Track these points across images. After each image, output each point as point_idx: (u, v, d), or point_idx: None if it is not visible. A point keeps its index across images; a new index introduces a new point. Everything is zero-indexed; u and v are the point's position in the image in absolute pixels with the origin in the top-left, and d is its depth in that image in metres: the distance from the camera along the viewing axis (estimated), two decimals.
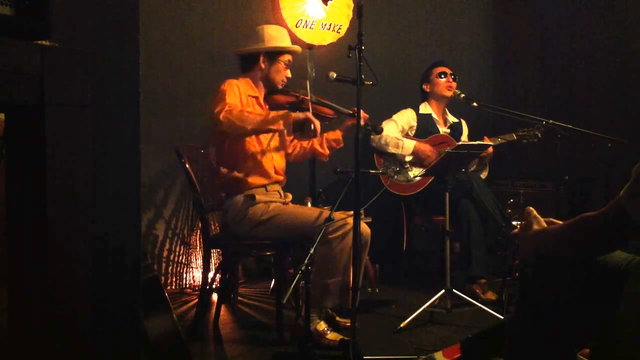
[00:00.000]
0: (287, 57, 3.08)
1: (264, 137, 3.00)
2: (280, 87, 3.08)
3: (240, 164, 2.95)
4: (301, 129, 2.88)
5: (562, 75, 5.10)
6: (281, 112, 2.79)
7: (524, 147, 4.03)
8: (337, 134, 3.24)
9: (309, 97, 3.00)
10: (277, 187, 3.08)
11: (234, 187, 2.96)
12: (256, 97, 3.04)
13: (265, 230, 2.90)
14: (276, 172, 3.06)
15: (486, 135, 3.88)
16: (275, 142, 3.08)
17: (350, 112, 3.10)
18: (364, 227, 2.84)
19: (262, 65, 3.03)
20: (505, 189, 4.47)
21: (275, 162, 3.07)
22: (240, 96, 2.91)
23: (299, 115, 2.82)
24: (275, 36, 3.06)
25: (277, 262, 3.09)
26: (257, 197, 2.92)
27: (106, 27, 1.38)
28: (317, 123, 2.84)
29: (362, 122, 3.07)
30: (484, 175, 4.00)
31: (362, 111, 3.04)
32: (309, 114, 2.85)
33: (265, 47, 3.02)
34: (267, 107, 3.09)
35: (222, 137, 2.91)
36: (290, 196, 3.15)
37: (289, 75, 3.10)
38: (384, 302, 3.58)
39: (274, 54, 3.04)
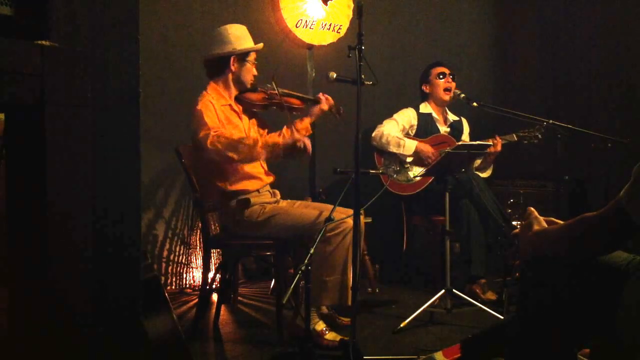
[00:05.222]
0: (254, 56, 3.12)
1: None
2: (249, 86, 3.12)
3: (232, 175, 2.96)
4: (292, 152, 2.94)
5: (562, 75, 5.09)
6: (270, 141, 2.86)
7: (524, 147, 4.03)
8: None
9: (277, 92, 3.05)
10: (268, 187, 3.12)
11: (229, 196, 2.98)
12: (229, 105, 3.06)
13: (262, 231, 2.92)
14: (267, 174, 3.11)
15: (489, 136, 3.88)
16: None
17: (314, 98, 3.22)
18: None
19: (233, 68, 3.05)
20: (505, 189, 4.46)
21: (263, 164, 3.11)
22: (216, 112, 2.93)
23: (287, 141, 2.89)
24: (241, 36, 3.06)
25: (277, 262, 3.10)
26: (252, 199, 2.95)
27: (106, 27, 1.38)
28: (307, 142, 2.89)
29: (326, 107, 3.19)
30: (487, 174, 4.00)
31: (326, 96, 3.21)
32: (297, 136, 2.89)
33: (237, 50, 3.03)
34: (241, 108, 3.12)
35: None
36: (278, 193, 3.17)
37: (256, 72, 3.14)
38: (384, 302, 3.58)
39: (243, 55, 3.06)
